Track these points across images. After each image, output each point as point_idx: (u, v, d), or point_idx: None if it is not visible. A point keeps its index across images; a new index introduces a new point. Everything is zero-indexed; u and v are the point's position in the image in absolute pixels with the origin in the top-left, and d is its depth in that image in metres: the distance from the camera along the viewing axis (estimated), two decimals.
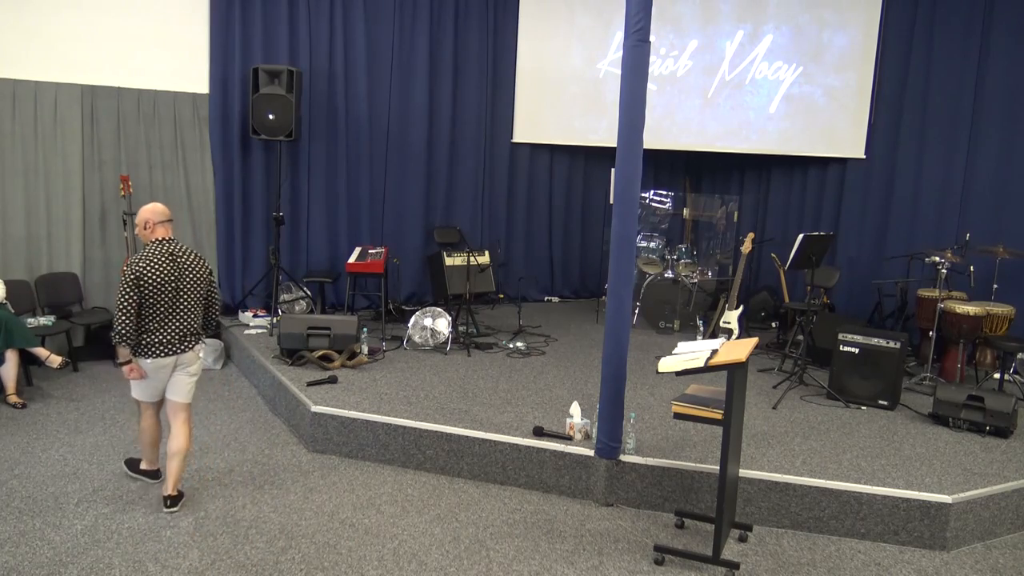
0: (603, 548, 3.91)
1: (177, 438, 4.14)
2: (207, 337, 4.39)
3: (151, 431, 4.28)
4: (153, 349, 3.99)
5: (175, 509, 4.07)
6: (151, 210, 4.06)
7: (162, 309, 3.97)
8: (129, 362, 3.99)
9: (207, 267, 4.19)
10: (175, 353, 4.06)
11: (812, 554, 3.94)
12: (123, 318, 3.88)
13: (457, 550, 3.83)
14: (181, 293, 4.02)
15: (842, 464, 4.39)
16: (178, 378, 4.14)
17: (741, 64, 7.83)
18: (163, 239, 4.04)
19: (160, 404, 4.23)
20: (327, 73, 7.40)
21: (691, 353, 3.73)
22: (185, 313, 4.06)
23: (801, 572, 3.77)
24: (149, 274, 3.92)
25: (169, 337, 4.02)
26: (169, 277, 3.97)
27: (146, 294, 3.92)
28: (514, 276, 8.47)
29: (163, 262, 3.97)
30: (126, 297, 3.87)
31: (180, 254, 4.05)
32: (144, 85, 6.75)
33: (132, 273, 3.89)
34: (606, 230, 7.17)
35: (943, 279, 5.94)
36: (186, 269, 4.05)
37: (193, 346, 4.16)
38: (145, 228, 4.04)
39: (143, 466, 4.42)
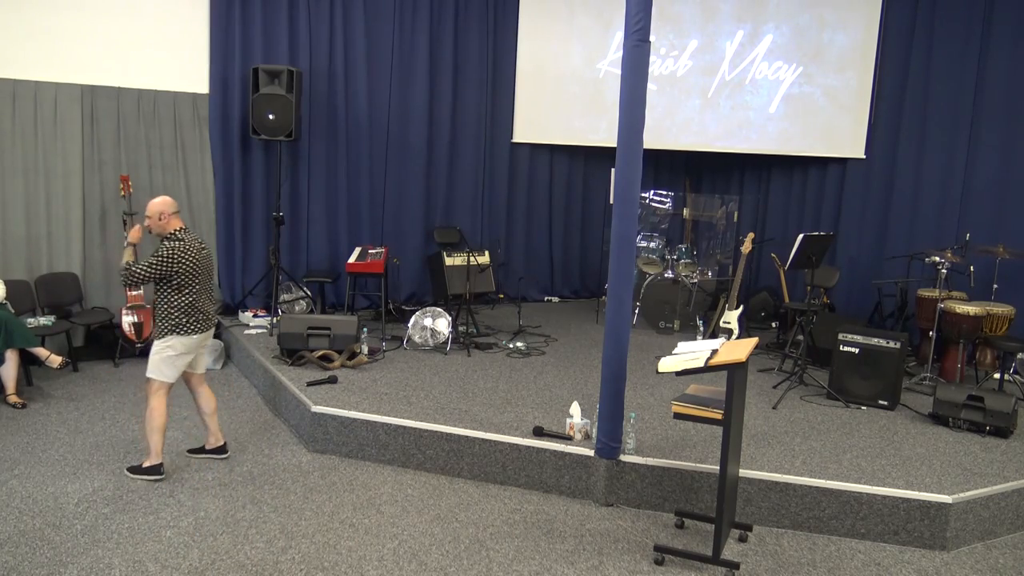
0: (603, 548, 3.91)
1: (210, 399, 4.72)
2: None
3: (163, 414, 4.43)
4: (197, 325, 4.42)
5: (228, 455, 4.79)
6: (163, 202, 4.36)
7: (199, 288, 4.41)
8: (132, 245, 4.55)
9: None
10: (209, 328, 4.54)
11: (812, 554, 3.94)
12: (138, 277, 4.24)
13: (457, 550, 3.83)
14: (206, 273, 4.50)
15: (842, 464, 4.39)
16: (200, 353, 4.61)
17: (741, 64, 7.83)
18: (184, 227, 4.41)
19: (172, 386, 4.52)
20: (327, 73, 7.40)
21: (691, 353, 3.73)
22: (209, 290, 4.55)
23: (801, 572, 3.77)
24: (191, 258, 4.33)
25: (206, 313, 4.48)
26: (200, 258, 4.42)
27: (189, 276, 4.33)
28: (514, 276, 8.46)
29: (196, 246, 4.41)
30: (151, 272, 4.23)
31: (198, 239, 4.50)
32: (144, 85, 6.75)
33: (181, 259, 4.27)
34: (606, 230, 7.16)
35: (943, 279, 5.94)
36: (203, 251, 4.50)
37: (214, 324, 4.64)
38: (160, 219, 4.36)
39: (146, 464, 4.43)
